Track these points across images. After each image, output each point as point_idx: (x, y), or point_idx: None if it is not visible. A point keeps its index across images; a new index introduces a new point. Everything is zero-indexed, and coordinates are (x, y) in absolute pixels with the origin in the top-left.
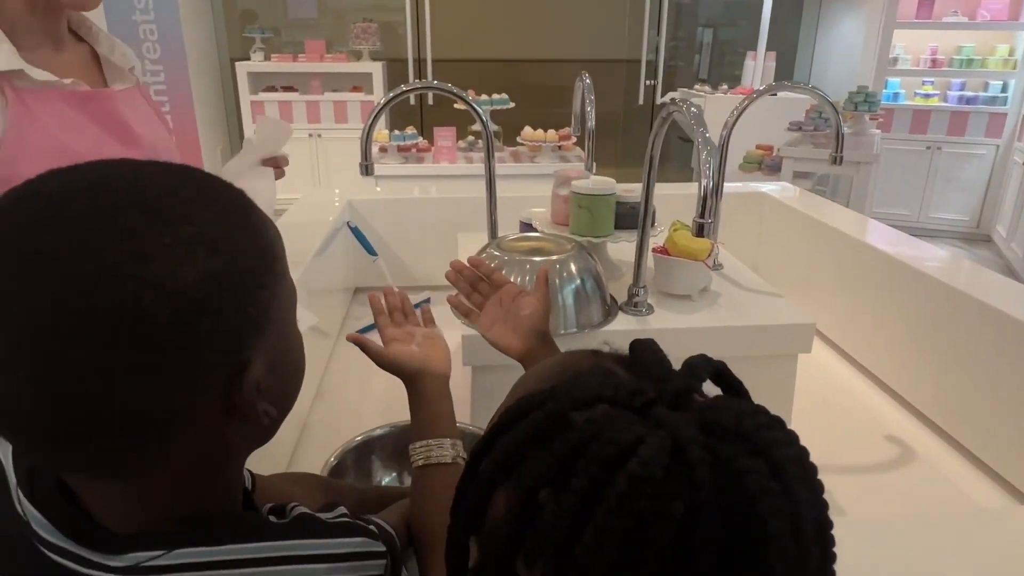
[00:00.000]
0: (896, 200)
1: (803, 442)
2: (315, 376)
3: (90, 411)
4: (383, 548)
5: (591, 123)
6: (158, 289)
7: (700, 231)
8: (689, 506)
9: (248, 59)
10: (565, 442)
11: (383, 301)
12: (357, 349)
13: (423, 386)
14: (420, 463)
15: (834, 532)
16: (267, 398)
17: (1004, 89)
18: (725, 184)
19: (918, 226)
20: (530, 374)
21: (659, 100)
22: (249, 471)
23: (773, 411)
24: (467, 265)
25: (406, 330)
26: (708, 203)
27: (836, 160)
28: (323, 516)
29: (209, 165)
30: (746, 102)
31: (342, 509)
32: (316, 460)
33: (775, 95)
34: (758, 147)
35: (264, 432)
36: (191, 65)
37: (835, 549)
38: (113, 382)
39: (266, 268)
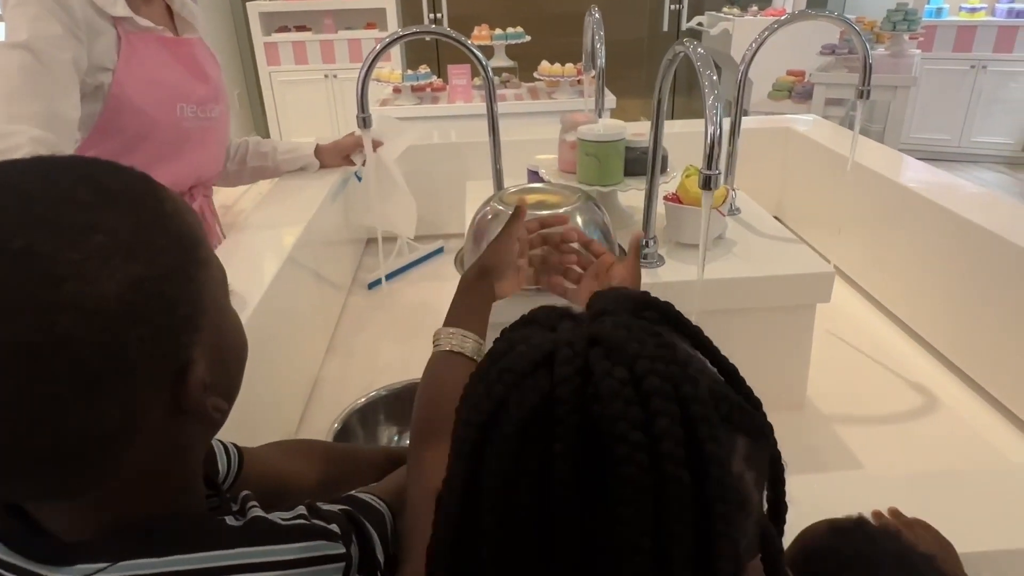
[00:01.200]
0: (936, 124)
1: (822, 390)
2: (327, 330)
3: (29, 444)
4: (341, 550)
5: (601, 61)
6: (75, 310)
7: (707, 184)
8: (545, 398)
9: None
10: (494, 347)
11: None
12: (368, 301)
13: (488, 285)
14: (445, 348)
15: (850, 487)
16: (215, 391)
17: None
18: (748, 116)
19: (959, 151)
20: None
21: (684, 25)
22: (235, 446)
23: (791, 359)
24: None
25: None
26: (715, 153)
27: (863, 94)
28: (279, 518)
29: None
30: (766, 33)
31: (301, 509)
32: (328, 416)
33: None
34: (789, 73)
35: (217, 424)
36: (201, 6)
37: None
38: (47, 413)
39: (189, 259)
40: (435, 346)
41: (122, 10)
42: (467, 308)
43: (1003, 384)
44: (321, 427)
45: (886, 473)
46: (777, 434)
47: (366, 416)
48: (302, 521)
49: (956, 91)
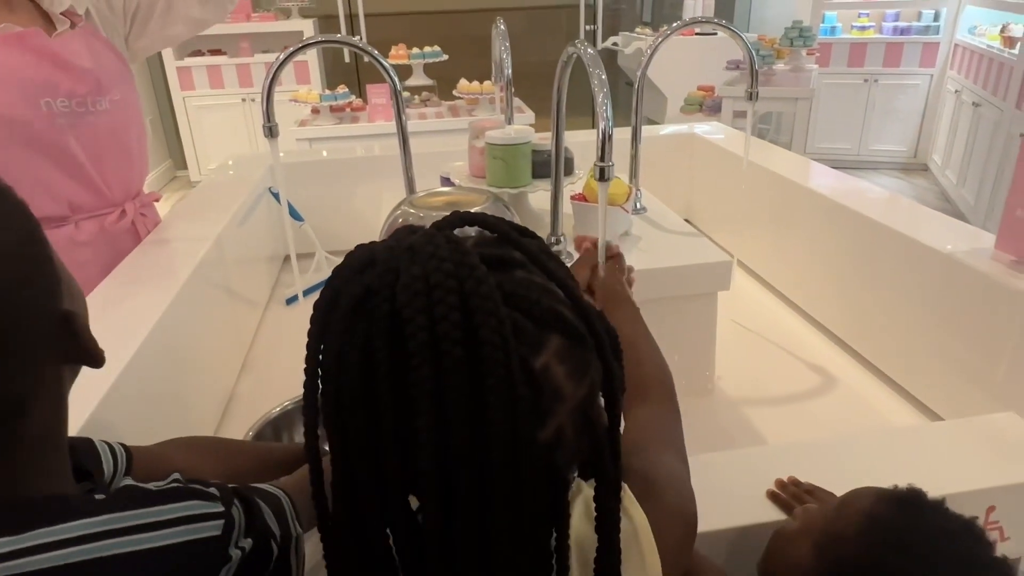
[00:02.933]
0: (837, 134)
1: (729, 374)
2: (242, 348)
3: None
4: (219, 508)
5: (508, 71)
6: None
7: (602, 175)
8: (365, 291)
9: None
10: None
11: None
12: (285, 317)
13: None
14: None
15: (753, 460)
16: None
17: (936, 18)
18: (660, 127)
19: (859, 159)
20: None
21: (600, 45)
22: (123, 445)
23: (697, 345)
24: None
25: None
26: (606, 146)
27: (750, 96)
28: (151, 485)
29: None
30: (659, 40)
31: (175, 475)
32: (241, 433)
33: (714, 34)
34: (699, 88)
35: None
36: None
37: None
38: None
39: (33, 223)
40: None
41: None
42: None
43: (888, 358)
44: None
45: (786, 445)
46: (688, 418)
47: (280, 427)
48: (176, 485)
49: (852, 103)
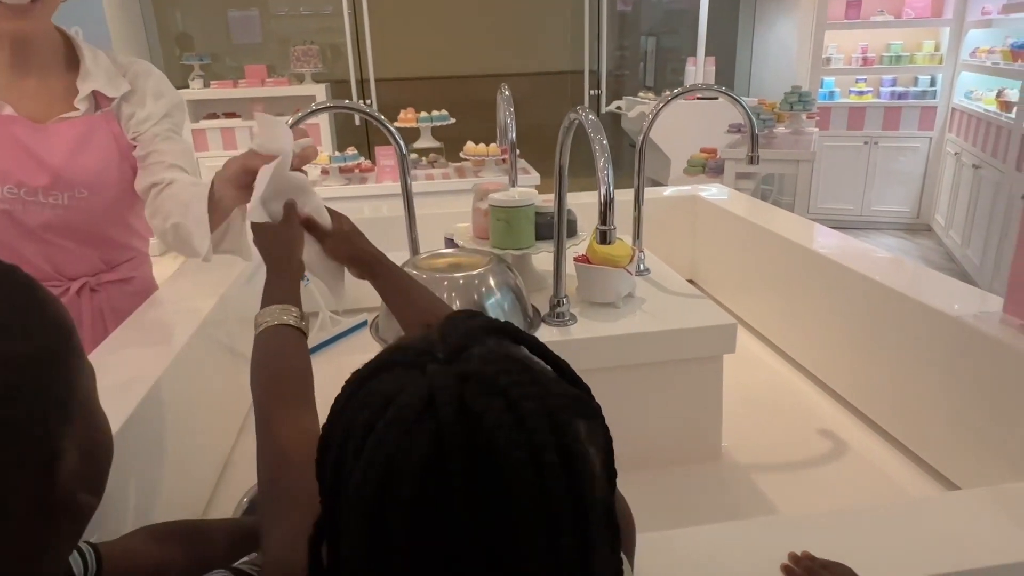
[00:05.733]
0: (839, 195)
1: (737, 439)
2: (240, 410)
3: None
4: None
5: (512, 135)
6: None
7: (604, 239)
8: (434, 443)
9: (187, 87)
10: (364, 395)
11: None
12: None
13: (298, 266)
14: (273, 323)
15: (765, 532)
16: (85, 487)
17: (933, 83)
18: (663, 188)
19: (862, 219)
20: None
21: (604, 110)
22: (90, 544)
23: (704, 410)
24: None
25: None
26: (608, 211)
27: (752, 160)
28: None
29: None
30: (661, 105)
31: None
32: (236, 496)
33: (716, 99)
34: (702, 151)
35: (84, 522)
36: None
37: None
38: None
39: (65, 345)
40: (261, 326)
41: None
42: (285, 289)
43: (902, 424)
44: (230, 509)
45: (799, 516)
46: (696, 484)
47: None
48: None
49: (854, 165)
